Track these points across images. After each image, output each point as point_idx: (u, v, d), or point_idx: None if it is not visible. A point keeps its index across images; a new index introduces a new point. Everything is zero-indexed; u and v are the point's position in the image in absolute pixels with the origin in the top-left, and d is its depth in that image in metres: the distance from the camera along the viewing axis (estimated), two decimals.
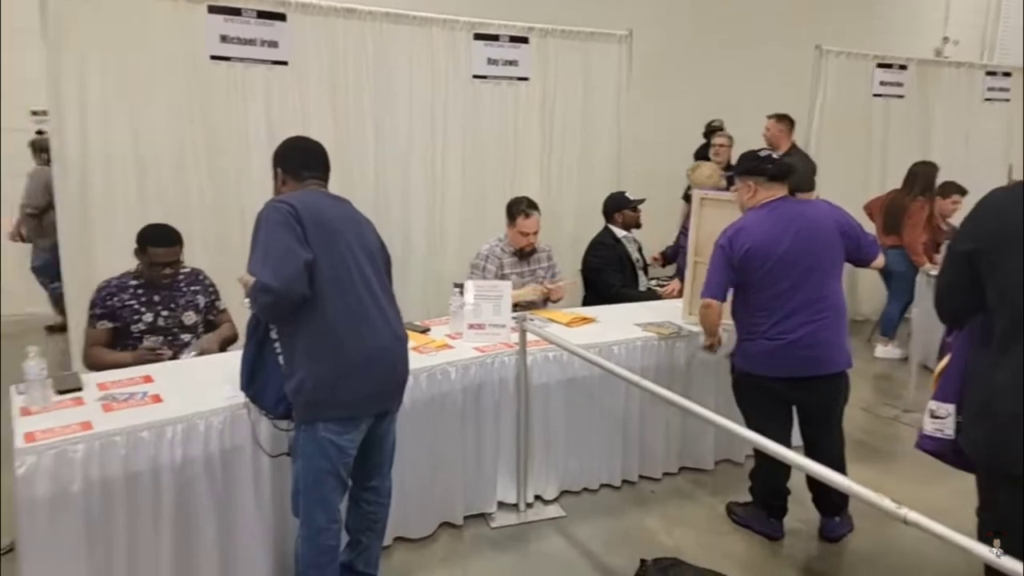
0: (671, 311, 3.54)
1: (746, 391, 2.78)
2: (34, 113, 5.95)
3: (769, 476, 2.78)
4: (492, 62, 4.56)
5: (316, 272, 1.98)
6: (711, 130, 6.05)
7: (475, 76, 4.52)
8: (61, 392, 2.33)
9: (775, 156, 2.81)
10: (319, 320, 2.00)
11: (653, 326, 3.28)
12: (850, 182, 5.75)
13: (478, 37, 4.50)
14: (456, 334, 3.09)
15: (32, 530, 1.98)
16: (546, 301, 3.68)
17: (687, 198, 5.46)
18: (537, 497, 3.07)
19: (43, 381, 2.25)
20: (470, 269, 3.67)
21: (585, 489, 3.17)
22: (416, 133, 4.42)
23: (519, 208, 3.63)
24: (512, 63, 4.61)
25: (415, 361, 2.71)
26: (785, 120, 5.23)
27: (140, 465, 2.10)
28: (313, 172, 2.21)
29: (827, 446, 2.71)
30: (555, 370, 3.01)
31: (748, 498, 2.93)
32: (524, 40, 4.64)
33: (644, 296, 4.09)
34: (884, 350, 5.20)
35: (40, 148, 5.22)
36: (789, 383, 2.63)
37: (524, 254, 3.71)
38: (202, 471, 2.20)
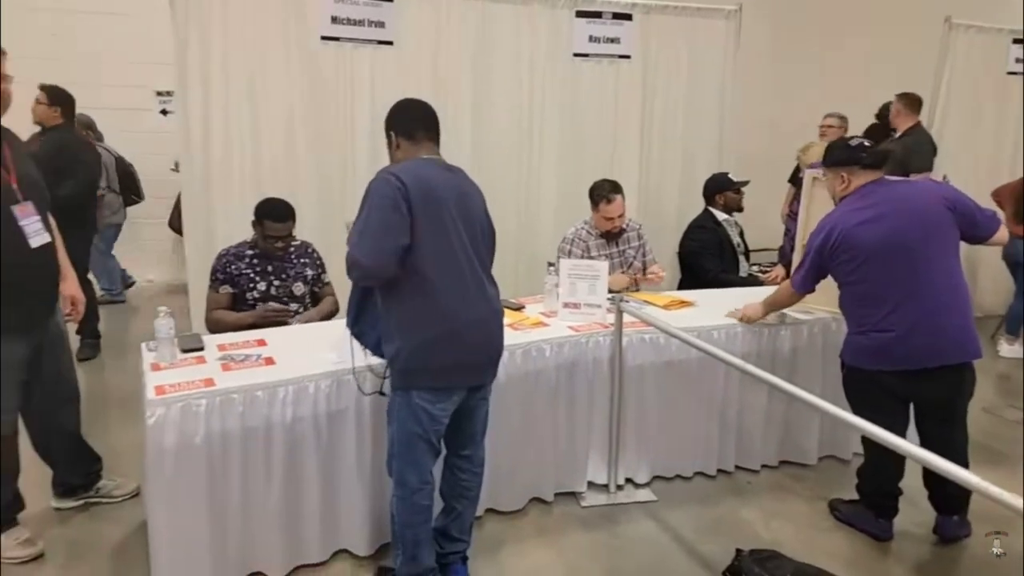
0: None
1: (857, 387, 2.63)
2: (159, 94, 6.39)
3: (880, 474, 2.63)
4: (593, 40, 4.50)
5: (418, 246, 2.02)
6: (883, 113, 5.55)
7: (575, 54, 4.48)
8: (185, 351, 2.49)
9: (868, 143, 2.64)
10: (418, 292, 2.05)
11: None
12: (977, 167, 5.32)
13: (580, 14, 4.45)
14: (550, 312, 3.09)
15: (159, 476, 2.15)
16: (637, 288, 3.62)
17: (794, 181, 5.23)
18: (628, 480, 3.04)
19: (171, 339, 2.42)
20: (557, 254, 3.66)
21: (678, 476, 3.12)
22: (514, 112, 4.44)
23: (601, 193, 3.55)
24: (614, 40, 4.53)
25: (510, 337, 2.74)
26: (907, 98, 4.89)
27: (255, 422, 2.23)
28: (427, 133, 2.22)
29: (949, 444, 2.47)
30: (651, 352, 2.96)
31: (854, 496, 2.79)
32: (627, 17, 4.55)
33: (745, 282, 3.95)
34: (1010, 349, 4.81)
35: (86, 125, 5.22)
36: (906, 377, 2.47)
37: (612, 236, 3.64)
38: (310, 430, 2.32)
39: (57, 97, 4.12)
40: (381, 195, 2.03)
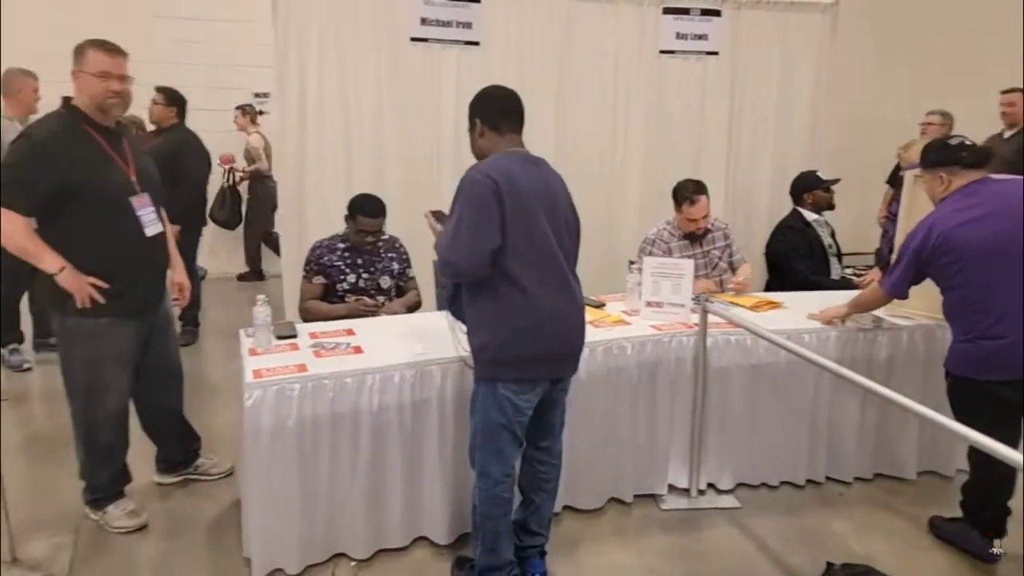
0: None
1: (964, 399, 2.46)
2: (256, 95, 6.71)
3: (989, 490, 2.46)
4: (681, 36, 4.42)
5: (508, 243, 2.04)
6: None
7: (662, 52, 4.41)
8: (280, 337, 2.60)
9: (969, 142, 2.47)
10: (506, 286, 2.07)
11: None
12: None
13: (668, 11, 4.39)
14: (632, 311, 3.06)
15: (254, 456, 2.25)
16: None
17: (892, 182, 4.98)
18: (710, 485, 2.96)
19: (268, 326, 2.53)
20: (638, 253, 3.60)
21: (764, 484, 3.01)
22: (598, 110, 4.42)
23: (684, 194, 3.45)
24: (702, 37, 4.44)
25: (591, 334, 2.71)
26: None
27: (344, 407, 2.31)
28: (511, 124, 2.22)
29: None
30: (736, 354, 2.87)
31: (957, 514, 2.62)
32: (716, 13, 4.45)
33: (837, 285, 3.78)
34: None
35: (136, 124, 5.21)
36: (1019, 386, 2.31)
37: (695, 237, 3.55)
38: (394, 418, 2.38)
39: (173, 98, 4.40)
40: (475, 195, 2.04)
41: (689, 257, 3.51)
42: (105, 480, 2.68)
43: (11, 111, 4.01)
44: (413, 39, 4.10)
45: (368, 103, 4.09)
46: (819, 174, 3.93)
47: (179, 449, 2.98)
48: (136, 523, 2.66)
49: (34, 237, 2.36)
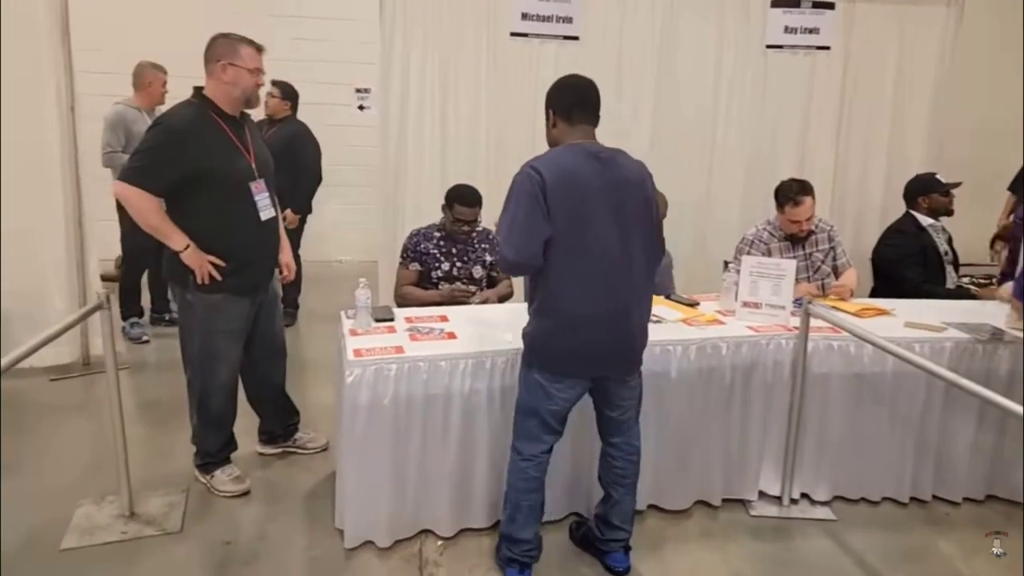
0: (992, 313, 3.02)
1: None
2: (357, 91, 6.94)
3: None
4: (789, 30, 4.27)
5: (554, 238, 2.06)
6: None
7: (768, 46, 4.27)
8: (378, 320, 2.70)
9: None
10: (551, 281, 2.11)
11: (967, 327, 2.84)
12: None
13: (776, 4, 4.24)
14: (727, 311, 2.98)
15: (352, 431, 2.35)
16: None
17: (1016, 188, 4.63)
18: (804, 495, 2.85)
19: (368, 308, 2.64)
20: (735, 254, 3.50)
21: (864, 499, 2.87)
22: (699, 106, 4.33)
23: (788, 195, 3.30)
24: (812, 31, 4.27)
25: (683, 332, 2.70)
26: None
27: (437, 389, 2.38)
28: (584, 114, 2.19)
29: None
30: (838, 361, 2.75)
31: None
32: (829, 5, 4.26)
33: (952, 295, 3.55)
34: None
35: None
36: None
37: (797, 239, 3.41)
38: (484, 402, 2.43)
39: (287, 92, 4.65)
40: (521, 190, 2.08)
41: (790, 259, 3.38)
42: (214, 446, 2.86)
43: (140, 102, 4.32)
44: (513, 34, 4.15)
45: (466, 97, 4.17)
46: (938, 177, 3.70)
47: (280, 422, 3.14)
48: (240, 488, 2.83)
49: (164, 217, 2.55)
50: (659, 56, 4.25)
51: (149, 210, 2.52)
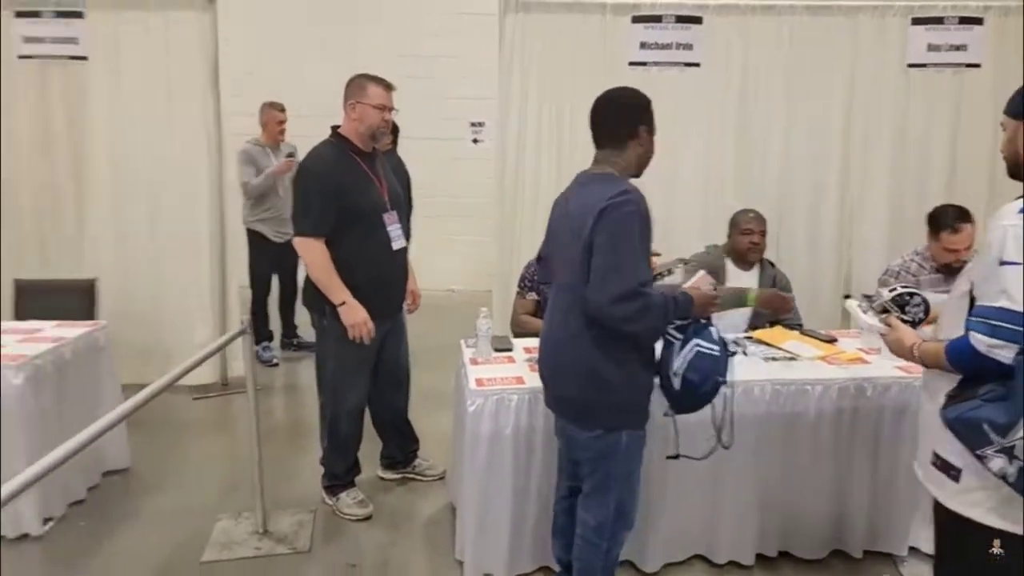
0: None
1: None
2: (472, 124, 7.13)
3: None
4: (933, 48, 3.99)
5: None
6: None
7: (910, 65, 4.01)
8: (497, 350, 2.71)
9: None
10: None
11: None
12: None
13: (917, 21, 3.98)
14: (870, 349, 2.76)
15: (472, 460, 2.35)
16: None
17: None
18: None
19: (488, 338, 2.65)
20: (877, 286, 3.25)
21: None
22: (832, 130, 4.12)
23: (946, 221, 3.01)
24: (959, 48, 3.98)
25: (822, 371, 2.53)
26: None
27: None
28: (599, 140, 2.07)
29: None
30: None
31: None
32: (977, 21, 3.96)
33: None
34: None
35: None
36: None
37: (952, 270, 3.11)
38: None
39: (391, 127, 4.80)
40: (636, 225, 1.95)
41: (942, 293, 3.11)
42: (341, 469, 2.95)
43: (264, 139, 4.64)
44: (632, 63, 4.12)
45: (582, 128, 4.12)
46: None
47: (401, 448, 3.20)
48: (364, 512, 2.90)
49: (333, 272, 2.65)
50: (786, 79, 4.09)
51: (322, 262, 2.65)
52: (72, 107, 4.09)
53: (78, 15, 4.00)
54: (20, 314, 3.41)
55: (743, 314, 3.13)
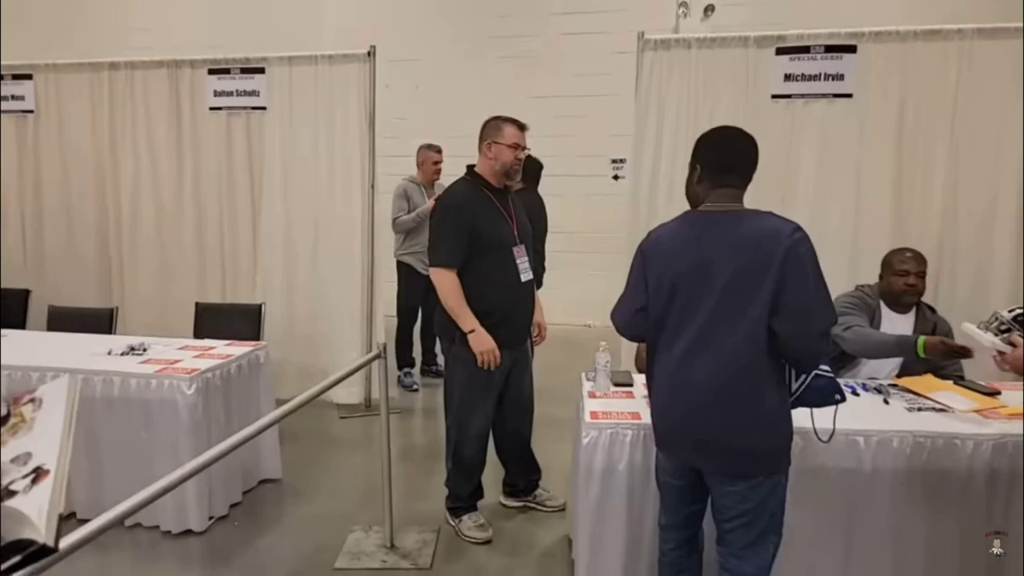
0: None
1: None
2: (613, 161, 7.21)
3: None
4: None
5: (649, 306, 1.99)
6: None
7: None
8: (616, 385, 2.71)
9: None
10: (650, 348, 2.04)
11: None
12: None
13: None
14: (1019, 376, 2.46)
15: (586, 493, 2.36)
16: None
17: None
18: None
19: (607, 371, 2.67)
20: None
21: None
22: (1006, 167, 3.74)
23: None
24: None
25: (975, 426, 2.29)
26: None
27: None
28: (730, 176, 1.94)
29: None
30: None
31: None
32: None
33: None
34: None
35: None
36: None
37: None
38: None
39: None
40: (633, 260, 2.06)
41: None
42: (465, 492, 3.06)
43: (420, 178, 4.96)
44: (775, 96, 4.01)
45: None
46: None
47: (523, 476, 3.27)
48: (484, 536, 2.99)
49: (463, 300, 2.82)
50: (952, 108, 3.78)
51: (453, 292, 2.82)
52: (252, 152, 4.66)
53: (260, 71, 4.58)
54: (198, 333, 3.88)
55: (894, 359, 2.91)
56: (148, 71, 4.73)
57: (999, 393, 2.58)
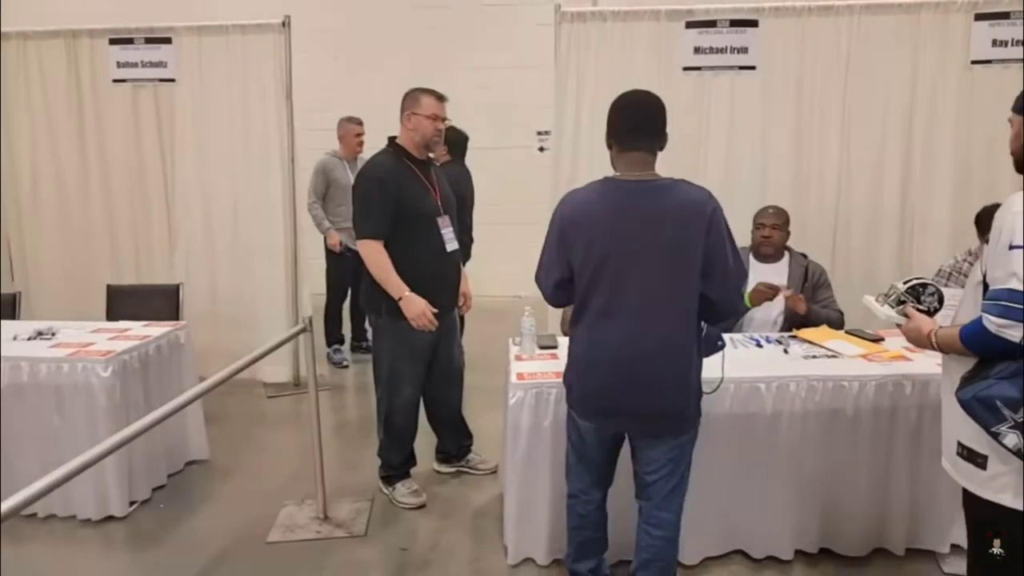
0: None
1: None
2: (539, 133, 7.28)
3: None
4: (998, 44, 3.86)
5: (576, 278, 2.00)
6: None
7: (973, 62, 3.90)
8: (542, 347, 2.83)
9: None
10: (578, 319, 2.04)
11: None
12: None
13: (980, 17, 3.87)
14: (915, 348, 2.72)
15: (513, 450, 2.48)
16: None
17: None
18: None
19: (532, 335, 2.78)
20: None
21: None
22: (891, 131, 4.04)
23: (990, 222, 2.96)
24: None
25: (860, 368, 2.53)
26: None
27: None
28: (637, 139, 1.95)
29: None
30: None
31: None
32: None
33: None
34: None
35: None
36: None
37: None
38: None
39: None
40: (550, 229, 2.08)
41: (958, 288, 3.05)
42: (397, 460, 3.13)
43: (341, 152, 4.90)
44: (686, 68, 4.17)
45: None
46: None
47: (455, 443, 3.36)
48: (418, 501, 3.07)
49: (389, 267, 2.83)
50: (844, 81, 4.05)
51: (381, 262, 2.83)
52: (162, 126, 4.49)
53: (167, 41, 4.40)
54: (111, 316, 3.74)
55: (774, 312, 3.18)
56: (42, 41, 4.47)
57: (883, 340, 2.85)
